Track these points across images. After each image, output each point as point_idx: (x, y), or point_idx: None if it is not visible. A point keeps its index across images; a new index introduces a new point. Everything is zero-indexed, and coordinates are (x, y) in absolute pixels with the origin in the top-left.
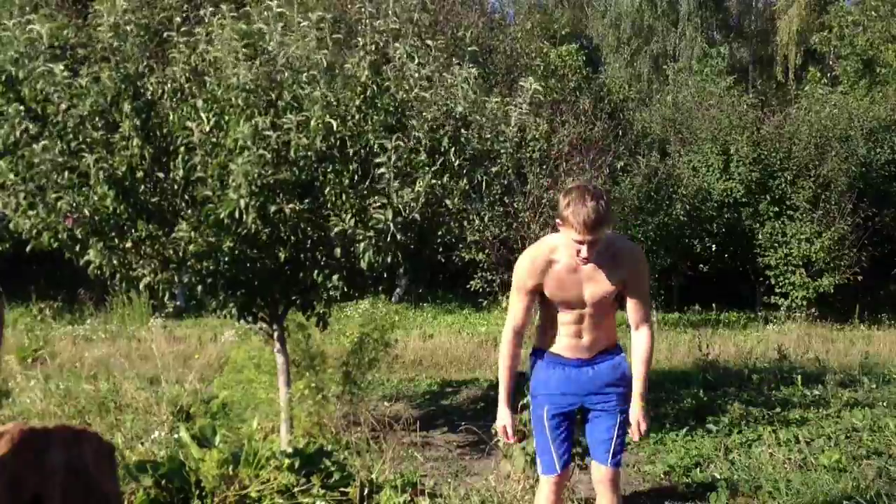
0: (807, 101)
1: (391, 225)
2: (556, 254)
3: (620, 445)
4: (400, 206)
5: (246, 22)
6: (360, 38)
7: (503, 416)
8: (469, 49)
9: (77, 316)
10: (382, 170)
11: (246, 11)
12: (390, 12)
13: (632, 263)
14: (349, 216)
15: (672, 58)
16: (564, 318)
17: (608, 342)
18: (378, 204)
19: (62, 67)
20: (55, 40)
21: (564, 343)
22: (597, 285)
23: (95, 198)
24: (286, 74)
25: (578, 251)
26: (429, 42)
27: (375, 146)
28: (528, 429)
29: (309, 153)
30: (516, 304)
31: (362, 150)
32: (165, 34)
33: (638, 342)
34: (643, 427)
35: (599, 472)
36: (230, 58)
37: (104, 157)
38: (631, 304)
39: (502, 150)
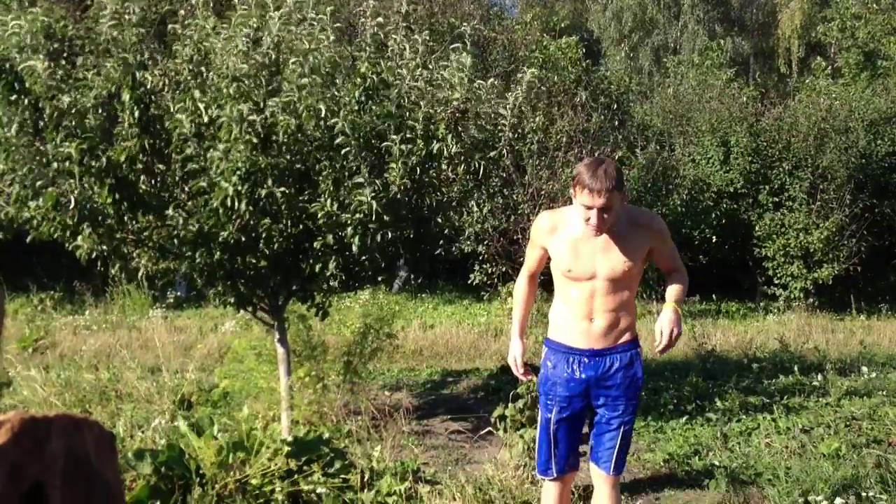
0: (806, 93)
1: (374, 203)
2: (575, 220)
3: (623, 455)
4: (378, 184)
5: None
6: (360, 29)
7: (514, 348)
8: (462, 40)
9: (77, 306)
10: (392, 165)
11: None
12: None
13: (654, 232)
14: (329, 200)
15: (673, 50)
16: (574, 294)
17: (624, 332)
18: (351, 185)
19: (46, 64)
20: (54, 34)
21: (575, 327)
22: (612, 258)
23: (95, 188)
24: (289, 66)
25: (588, 218)
26: (416, 37)
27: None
28: (527, 417)
29: (299, 136)
30: (530, 255)
31: (362, 140)
32: (169, 27)
33: (674, 276)
34: (664, 338)
35: (598, 474)
36: (219, 45)
37: (104, 147)
38: (662, 263)
39: (500, 134)
